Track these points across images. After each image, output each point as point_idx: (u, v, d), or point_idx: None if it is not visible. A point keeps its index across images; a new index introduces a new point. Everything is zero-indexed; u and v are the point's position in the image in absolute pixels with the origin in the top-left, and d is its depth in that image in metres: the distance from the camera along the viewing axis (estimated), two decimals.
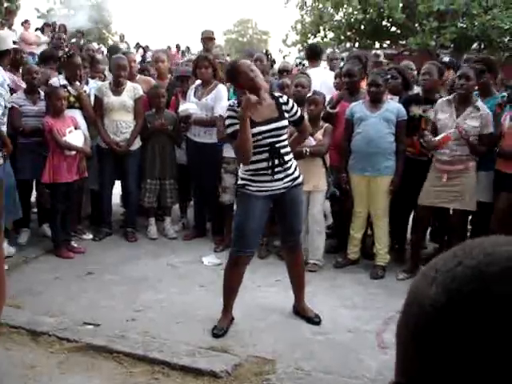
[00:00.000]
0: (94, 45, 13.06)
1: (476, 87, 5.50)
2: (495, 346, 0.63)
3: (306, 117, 4.87)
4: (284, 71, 7.49)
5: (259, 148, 4.26)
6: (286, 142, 4.38)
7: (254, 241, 4.52)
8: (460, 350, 0.65)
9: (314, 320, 4.65)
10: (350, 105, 5.84)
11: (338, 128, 6.00)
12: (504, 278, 0.66)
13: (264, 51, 8.45)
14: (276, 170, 4.32)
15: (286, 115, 4.36)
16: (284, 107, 4.36)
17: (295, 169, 4.46)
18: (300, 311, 4.76)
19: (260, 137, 4.24)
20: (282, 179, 4.36)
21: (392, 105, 5.71)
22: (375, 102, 5.66)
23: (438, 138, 5.37)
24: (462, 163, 5.39)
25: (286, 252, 4.84)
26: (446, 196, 5.45)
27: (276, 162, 4.31)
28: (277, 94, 4.56)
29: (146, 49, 19.43)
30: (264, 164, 4.31)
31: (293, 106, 4.42)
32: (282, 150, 4.33)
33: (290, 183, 4.40)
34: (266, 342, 4.28)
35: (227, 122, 4.31)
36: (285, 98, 4.44)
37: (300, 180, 4.48)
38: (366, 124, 5.63)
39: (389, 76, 5.83)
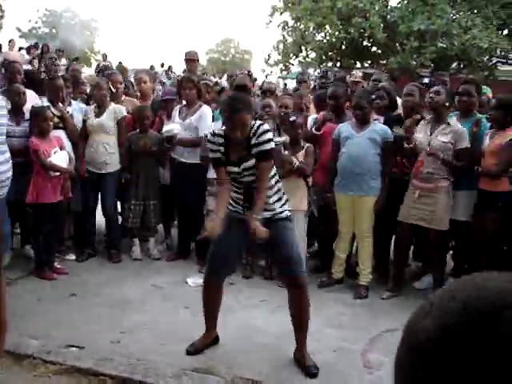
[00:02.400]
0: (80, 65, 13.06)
1: (446, 103, 5.59)
2: (486, 377, 0.65)
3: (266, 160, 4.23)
4: (268, 92, 7.53)
5: (235, 183, 4.27)
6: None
7: (221, 267, 4.44)
8: (454, 381, 0.67)
9: (311, 370, 4.22)
10: (337, 126, 5.89)
11: (323, 149, 6.05)
12: (492, 311, 0.68)
13: (246, 71, 8.51)
14: (246, 205, 4.28)
15: (254, 150, 4.07)
16: (252, 141, 4.05)
17: (278, 204, 4.27)
18: (297, 357, 4.36)
19: (233, 176, 4.23)
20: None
21: (378, 126, 5.77)
22: (361, 123, 5.72)
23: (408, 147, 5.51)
24: (433, 182, 5.47)
25: (286, 287, 4.45)
26: (419, 214, 5.53)
27: (247, 202, 4.25)
28: (256, 123, 4.11)
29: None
30: (240, 196, 4.30)
31: (260, 135, 4.02)
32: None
33: (269, 215, 4.24)
34: (251, 363, 4.27)
35: (208, 146, 4.26)
36: (261, 128, 4.05)
37: (283, 215, 4.27)
38: (351, 143, 5.69)
39: (373, 96, 5.90)
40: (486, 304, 0.69)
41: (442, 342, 0.69)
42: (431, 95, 5.53)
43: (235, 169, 4.16)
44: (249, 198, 4.23)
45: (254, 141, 4.03)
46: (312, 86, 8.17)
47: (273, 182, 4.23)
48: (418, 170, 5.53)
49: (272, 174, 4.22)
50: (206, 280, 4.52)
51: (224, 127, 4.15)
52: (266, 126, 4.11)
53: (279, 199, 4.28)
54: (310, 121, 6.39)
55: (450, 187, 5.51)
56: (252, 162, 4.09)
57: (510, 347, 0.65)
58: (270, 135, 4.08)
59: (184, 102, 6.62)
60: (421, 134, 5.61)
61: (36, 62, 14.68)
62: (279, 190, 4.30)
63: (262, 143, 4.03)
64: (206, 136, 6.17)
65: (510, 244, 5.81)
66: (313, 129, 6.11)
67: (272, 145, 4.10)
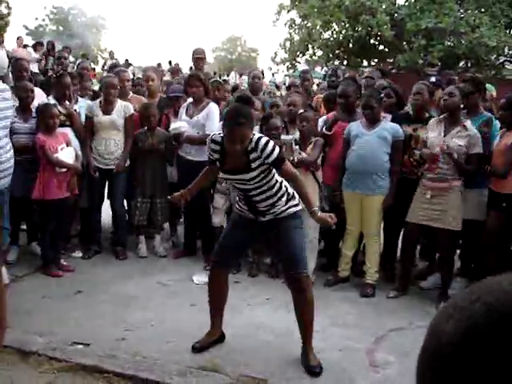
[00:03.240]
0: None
1: (462, 105, 5.55)
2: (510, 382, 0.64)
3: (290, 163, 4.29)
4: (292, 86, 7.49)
5: (234, 188, 4.30)
6: (260, 190, 4.12)
7: (224, 257, 4.45)
8: None
9: (314, 370, 4.18)
10: (348, 124, 5.88)
11: (333, 148, 6.04)
12: None
13: (260, 71, 8.51)
14: (250, 211, 4.29)
15: (257, 163, 3.99)
16: (252, 155, 3.97)
17: (280, 203, 4.20)
18: (302, 356, 4.33)
19: (230, 182, 4.23)
20: (257, 214, 4.27)
21: (389, 124, 5.75)
22: (371, 122, 5.70)
23: (428, 152, 5.42)
24: (446, 182, 5.42)
25: (289, 288, 4.36)
26: (430, 214, 5.48)
27: (247, 207, 4.27)
28: (254, 137, 4.00)
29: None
30: (242, 204, 4.32)
31: (263, 149, 3.93)
32: (255, 198, 4.17)
33: (270, 218, 4.23)
34: (257, 362, 4.26)
35: (208, 147, 4.22)
36: (261, 141, 3.97)
37: (286, 213, 4.20)
38: (360, 142, 5.67)
39: (382, 95, 5.86)
40: (510, 307, 0.67)
41: (464, 345, 0.68)
42: (445, 97, 5.45)
43: (230, 176, 4.17)
44: (251, 207, 4.25)
45: (255, 154, 3.96)
46: (318, 84, 8.12)
47: (272, 183, 4.14)
48: (430, 170, 5.47)
49: (270, 176, 4.12)
50: (211, 272, 4.53)
51: (223, 136, 4.07)
52: (265, 139, 4.01)
53: (280, 199, 4.19)
54: (320, 122, 6.35)
55: (463, 187, 5.48)
56: (250, 175, 4.03)
57: None
58: (271, 144, 3.99)
59: (191, 100, 6.61)
60: (433, 134, 5.54)
61: (43, 60, 14.70)
62: (280, 189, 4.19)
63: (269, 155, 3.96)
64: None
65: None
66: (323, 129, 6.10)
67: (277, 150, 4.02)
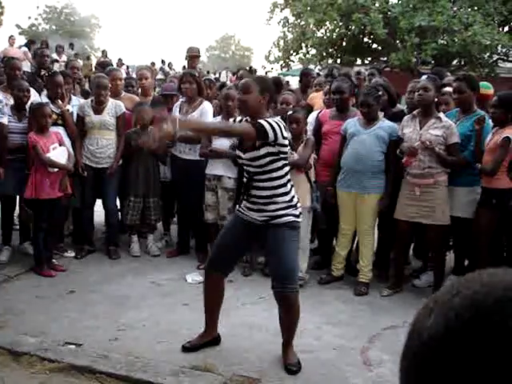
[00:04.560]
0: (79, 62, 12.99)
1: (436, 99, 5.57)
2: (492, 373, 0.64)
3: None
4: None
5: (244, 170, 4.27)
6: (264, 177, 4.06)
7: (218, 258, 4.39)
8: (459, 379, 0.66)
9: (291, 368, 4.17)
10: (340, 122, 5.87)
11: (325, 145, 6.03)
12: (499, 307, 0.66)
13: (248, 68, 8.48)
14: (244, 198, 4.22)
15: (267, 147, 3.95)
16: (266, 135, 3.90)
17: (276, 208, 4.09)
18: (283, 354, 4.31)
19: (241, 162, 4.20)
20: (254, 210, 4.17)
21: (386, 123, 5.73)
22: (368, 120, 5.69)
23: (406, 146, 5.42)
24: (432, 177, 5.43)
25: (276, 300, 4.26)
26: (418, 210, 5.49)
27: (244, 191, 4.22)
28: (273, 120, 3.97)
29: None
30: (243, 188, 4.30)
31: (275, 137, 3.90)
32: (257, 184, 4.09)
33: (265, 218, 4.14)
34: (250, 361, 4.25)
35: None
36: (270, 120, 3.93)
37: (282, 220, 4.07)
38: (356, 140, 5.66)
39: (380, 92, 5.84)
40: (493, 300, 0.67)
41: (446, 338, 0.68)
42: (420, 92, 5.47)
43: (242, 155, 4.11)
44: (247, 189, 4.18)
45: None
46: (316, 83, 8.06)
47: (278, 173, 4.07)
48: (407, 164, 5.46)
49: (278, 165, 4.06)
50: (206, 273, 4.49)
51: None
52: (273, 120, 4.00)
53: (280, 196, 4.10)
54: (310, 118, 6.31)
55: (447, 180, 5.49)
56: (257, 153, 3.99)
57: None
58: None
59: (184, 98, 6.60)
60: (409, 130, 5.57)
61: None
62: (283, 186, 4.11)
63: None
64: None
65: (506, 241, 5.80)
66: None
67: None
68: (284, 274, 4.09)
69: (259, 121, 3.91)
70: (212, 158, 6.24)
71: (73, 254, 6.58)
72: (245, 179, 4.26)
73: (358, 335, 4.77)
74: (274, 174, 4.06)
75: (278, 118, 4.07)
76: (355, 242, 6.16)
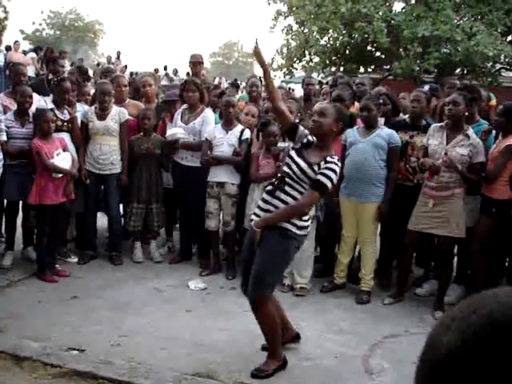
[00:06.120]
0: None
1: (466, 113, 5.52)
2: None
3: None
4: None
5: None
6: (294, 182, 4.08)
7: (242, 273, 4.46)
8: None
9: (257, 374, 4.20)
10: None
11: None
12: None
13: (258, 77, 8.50)
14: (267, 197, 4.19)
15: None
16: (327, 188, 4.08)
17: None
18: None
19: (285, 160, 4.29)
20: (264, 211, 4.15)
21: (385, 131, 5.74)
22: (368, 127, 5.70)
23: (430, 163, 5.38)
24: (448, 189, 5.40)
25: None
26: (432, 222, 5.46)
27: (273, 188, 4.18)
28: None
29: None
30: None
31: (327, 162, 4.04)
32: (285, 187, 4.09)
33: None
34: (252, 368, 4.24)
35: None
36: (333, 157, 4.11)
37: (282, 225, 4.09)
38: (355, 149, 5.68)
39: (381, 100, 5.87)
40: (508, 318, 0.68)
41: (462, 355, 0.69)
42: (450, 106, 5.36)
43: (294, 155, 4.20)
44: (277, 184, 4.19)
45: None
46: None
47: (295, 194, 4.09)
48: (430, 179, 5.46)
49: (300, 189, 4.10)
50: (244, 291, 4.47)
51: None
52: (336, 158, 4.16)
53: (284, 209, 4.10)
54: None
55: (464, 193, 5.46)
56: (304, 165, 4.13)
57: None
58: (334, 167, 4.08)
59: (186, 105, 6.62)
60: (435, 142, 5.50)
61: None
62: (291, 205, 4.09)
63: (322, 172, 4.08)
64: (207, 139, 6.24)
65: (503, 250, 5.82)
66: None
67: (328, 179, 4.04)
68: (258, 276, 4.12)
69: (321, 180, 4.01)
70: (213, 165, 6.26)
71: (76, 260, 6.60)
72: (278, 179, 4.22)
73: (359, 343, 4.78)
74: (303, 186, 4.09)
75: (337, 159, 4.14)
76: (357, 251, 6.17)
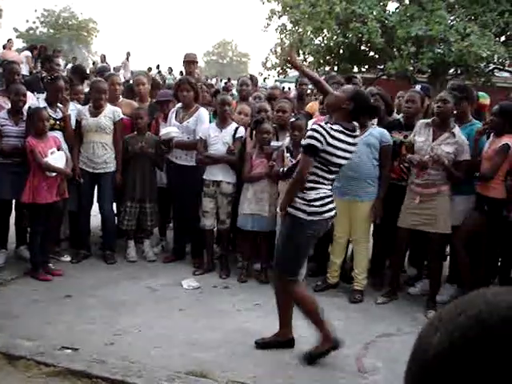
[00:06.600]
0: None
1: (454, 111, 5.58)
2: None
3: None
4: (272, 99, 7.37)
5: None
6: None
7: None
8: None
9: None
10: None
11: None
12: (504, 326, 0.68)
13: (249, 76, 8.50)
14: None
15: None
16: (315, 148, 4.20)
17: (297, 200, 4.28)
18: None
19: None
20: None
21: (376, 130, 5.76)
22: (359, 126, 5.71)
23: (418, 159, 5.43)
24: (434, 187, 5.46)
25: None
26: (420, 219, 5.52)
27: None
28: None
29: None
30: None
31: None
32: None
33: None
34: (245, 367, 4.27)
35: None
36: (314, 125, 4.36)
37: (293, 212, 4.28)
38: None
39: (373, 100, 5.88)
40: (497, 319, 0.69)
41: (451, 357, 0.69)
42: (439, 104, 5.44)
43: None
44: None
45: None
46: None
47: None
48: (419, 176, 5.50)
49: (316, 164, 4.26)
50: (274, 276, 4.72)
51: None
52: (316, 125, 4.28)
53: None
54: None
55: (450, 191, 5.52)
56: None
57: None
58: (312, 131, 4.21)
59: (180, 104, 6.62)
60: (421, 138, 5.56)
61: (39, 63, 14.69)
62: (312, 181, 4.27)
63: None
64: (201, 139, 6.24)
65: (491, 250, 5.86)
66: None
67: (310, 139, 4.16)
68: (276, 261, 4.51)
69: (303, 143, 4.22)
70: (208, 164, 6.27)
71: (69, 259, 6.59)
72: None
73: (353, 342, 4.77)
74: (314, 170, 4.23)
75: (335, 127, 4.21)
76: (350, 250, 6.18)
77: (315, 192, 4.24)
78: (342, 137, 4.16)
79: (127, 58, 22.79)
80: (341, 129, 4.17)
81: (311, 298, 4.56)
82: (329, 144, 4.11)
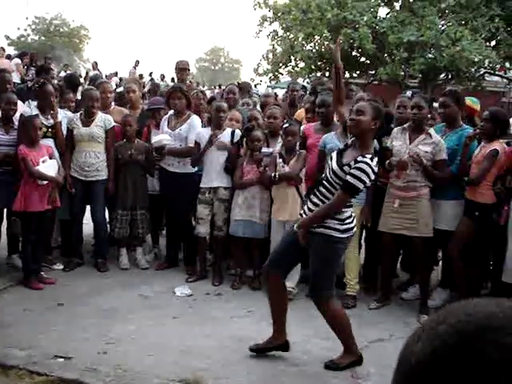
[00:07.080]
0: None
1: (429, 115, 5.66)
2: None
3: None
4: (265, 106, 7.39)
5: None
6: (328, 184, 4.26)
7: (276, 260, 4.59)
8: None
9: (328, 364, 4.48)
10: (323, 135, 5.90)
11: (311, 159, 6.06)
12: (480, 334, 0.70)
13: (237, 82, 8.51)
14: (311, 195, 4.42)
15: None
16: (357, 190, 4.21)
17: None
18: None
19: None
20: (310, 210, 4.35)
21: None
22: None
23: (397, 159, 5.47)
24: (414, 190, 5.50)
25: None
26: (401, 223, 5.54)
27: (309, 190, 4.43)
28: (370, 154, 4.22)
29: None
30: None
31: (357, 163, 4.13)
32: (320, 189, 4.31)
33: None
34: (239, 374, 4.27)
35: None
36: (365, 159, 4.12)
37: (319, 230, 4.27)
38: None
39: None
40: (474, 327, 0.71)
41: (431, 364, 0.71)
42: (414, 110, 5.54)
43: (332, 161, 4.36)
44: (310, 198, 4.43)
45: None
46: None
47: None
48: (398, 177, 5.53)
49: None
50: (266, 274, 4.67)
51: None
52: (369, 160, 4.16)
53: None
54: None
55: (429, 193, 5.56)
56: (335, 167, 4.31)
57: (494, 369, 0.67)
58: (366, 170, 4.14)
59: (172, 112, 6.62)
60: (399, 142, 5.63)
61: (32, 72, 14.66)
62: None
63: (352, 173, 4.17)
64: (196, 142, 6.26)
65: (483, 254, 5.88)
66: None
67: (360, 182, 4.14)
68: (311, 282, 4.46)
69: (349, 181, 4.11)
70: (199, 160, 6.34)
71: (61, 267, 6.57)
72: (317, 182, 4.46)
73: None
74: (335, 187, 4.24)
75: (375, 161, 4.20)
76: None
77: (346, 211, 4.31)
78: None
79: (135, 67, 22.77)
80: (376, 159, 4.22)
81: (345, 311, 4.69)
82: (371, 180, 4.21)
